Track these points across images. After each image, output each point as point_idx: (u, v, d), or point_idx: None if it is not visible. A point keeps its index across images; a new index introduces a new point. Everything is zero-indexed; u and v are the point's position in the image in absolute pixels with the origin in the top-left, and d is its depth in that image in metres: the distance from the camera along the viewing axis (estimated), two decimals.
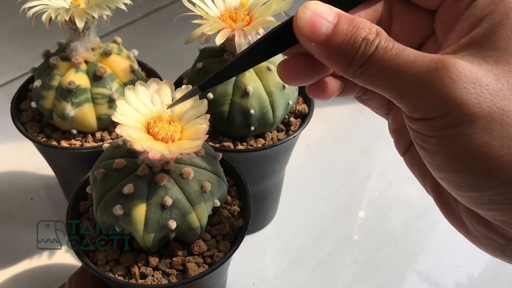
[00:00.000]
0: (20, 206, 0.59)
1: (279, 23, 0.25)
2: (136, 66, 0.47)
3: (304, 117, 0.49)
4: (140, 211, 0.34)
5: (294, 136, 0.47)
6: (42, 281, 0.51)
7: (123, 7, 0.42)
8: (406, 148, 0.30)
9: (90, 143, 0.46)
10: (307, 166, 0.66)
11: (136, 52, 0.50)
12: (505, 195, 0.22)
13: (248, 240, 0.56)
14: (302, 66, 0.27)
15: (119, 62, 0.46)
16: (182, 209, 0.35)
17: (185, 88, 0.34)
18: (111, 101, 0.45)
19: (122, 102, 0.33)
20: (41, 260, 0.53)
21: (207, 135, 0.33)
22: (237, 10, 0.43)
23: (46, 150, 0.48)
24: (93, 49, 0.46)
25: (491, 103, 0.21)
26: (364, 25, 0.23)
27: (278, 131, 0.49)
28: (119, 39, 0.49)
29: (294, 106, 0.49)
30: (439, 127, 0.22)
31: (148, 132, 0.33)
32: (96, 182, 0.36)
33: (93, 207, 0.37)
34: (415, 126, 0.23)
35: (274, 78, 0.45)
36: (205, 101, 0.34)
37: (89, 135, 0.46)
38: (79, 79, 0.44)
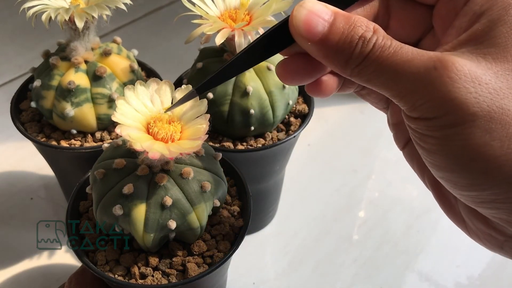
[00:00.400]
0: (20, 206, 0.58)
1: None
2: (136, 66, 0.47)
3: (304, 117, 0.49)
4: (140, 211, 0.34)
5: (294, 136, 0.47)
6: (42, 281, 0.51)
7: (123, 7, 0.42)
8: (405, 143, 0.30)
9: (89, 143, 0.46)
10: (307, 166, 0.66)
11: (136, 52, 0.50)
12: (504, 194, 0.22)
13: (248, 240, 0.56)
14: (300, 65, 0.26)
15: (119, 62, 0.46)
16: (182, 209, 0.35)
17: (185, 88, 0.34)
18: (110, 101, 0.45)
19: (122, 102, 0.33)
20: (41, 260, 0.53)
21: (207, 135, 0.33)
22: (237, 10, 0.43)
23: (45, 150, 0.48)
24: (93, 49, 0.46)
25: (491, 102, 0.21)
26: (360, 23, 0.23)
27: (278, 131, 0.49)
28: (119, 39, 0.49)
29: (294, 106, 0.49)
30: (438, 127, 0.22)
31: (148, 132, 0.33)
32: (96, 182, 0.36)
33: (93, 207, 0.37)
34: (414, 126, 0.23)
35: (274, 78, 0.45)
36: (205, 101, 0.34)
37: (89, 135, 0.46)
38: (79, 79, 0.44)
